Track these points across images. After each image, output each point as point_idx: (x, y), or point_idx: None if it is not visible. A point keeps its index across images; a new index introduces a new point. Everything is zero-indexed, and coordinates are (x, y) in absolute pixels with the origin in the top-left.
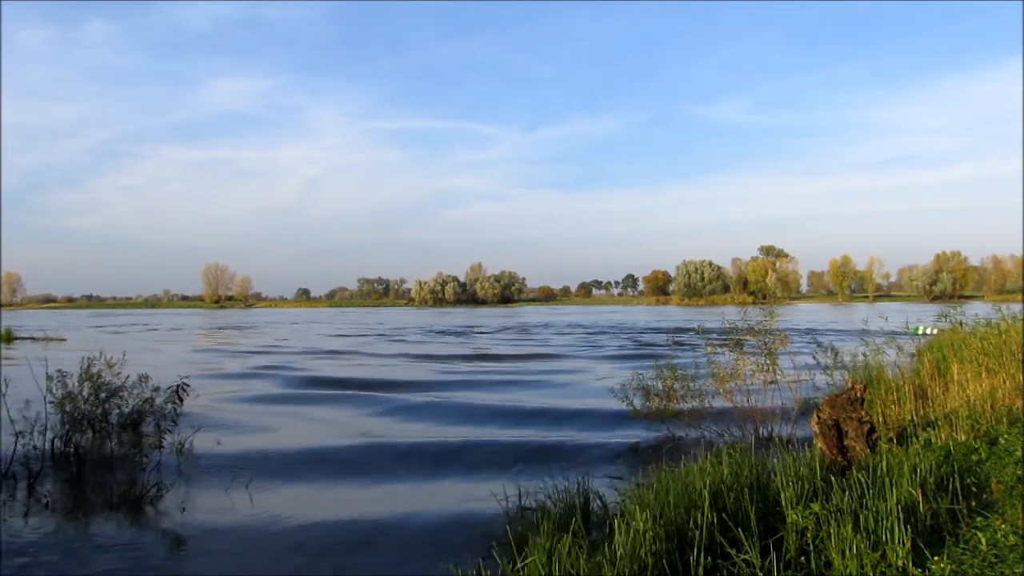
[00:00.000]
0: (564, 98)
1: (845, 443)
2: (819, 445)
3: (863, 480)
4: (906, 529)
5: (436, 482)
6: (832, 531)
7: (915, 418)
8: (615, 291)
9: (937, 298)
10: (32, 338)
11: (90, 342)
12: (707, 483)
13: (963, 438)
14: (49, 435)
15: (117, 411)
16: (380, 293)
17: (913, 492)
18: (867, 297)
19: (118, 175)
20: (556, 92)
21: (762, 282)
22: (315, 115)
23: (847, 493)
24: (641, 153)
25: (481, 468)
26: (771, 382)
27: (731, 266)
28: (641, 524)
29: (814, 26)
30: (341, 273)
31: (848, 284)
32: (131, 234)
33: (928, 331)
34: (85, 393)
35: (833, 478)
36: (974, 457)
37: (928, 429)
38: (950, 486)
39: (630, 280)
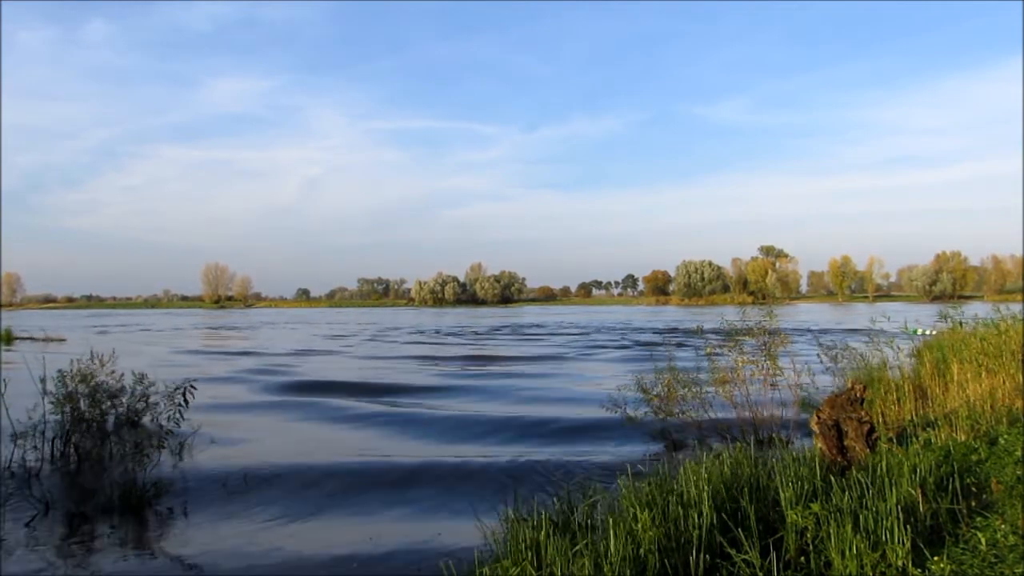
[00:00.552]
0: (564, 98)
1: (845, 443)
2: (819, 445)
3: (863, 480)
4: (906, 529)
5: (397, 508)
6: (832, 531)
7: (915, 418)
8: (615, 291)
9: (937, 298)
10: (32, 338)
11: (76, 344)
12: (707, 483)
13: (963, 438)
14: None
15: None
16: (380, 293)
17: (913, 492)
18: (867, 297)
19: (118, 175)
20: (556, 92)
21: (762, 282)
22: (315, 115)
23: (847, 493)
24: (641, 153)
25: (465, 481)
26: (771, 383)
27: (731, 266)
28: (641, 524)
29: (814, 26)
30: (341, 273)
31: (848, 284)
32: (131, 234)
33: (926, 332)
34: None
35: (833, 478)
36: (974, 457)
37: (928, 429)
38: (950, 486)
39: (630, 280)
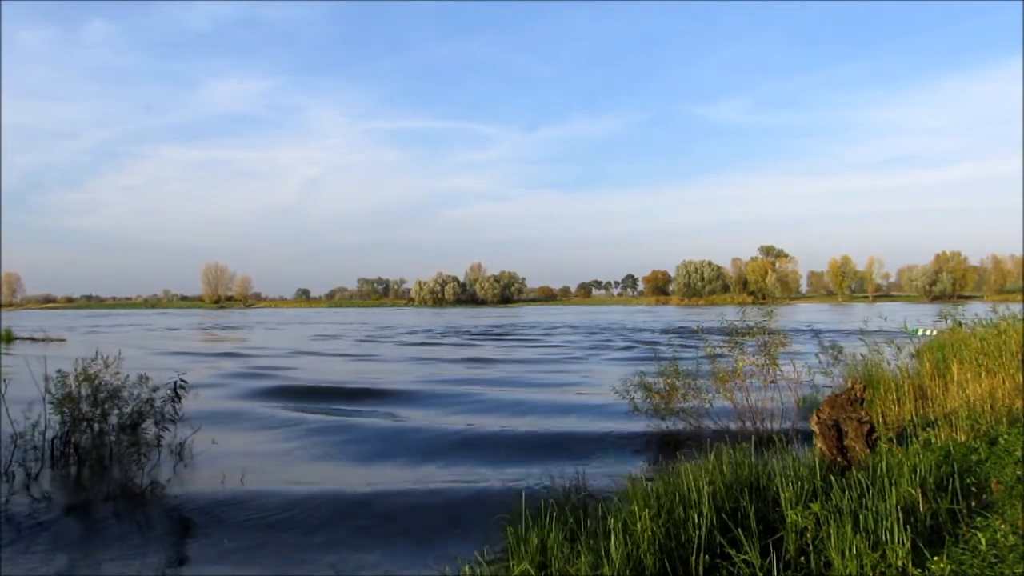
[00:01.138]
0: (564, 98)
1: (845, 443)
2: (819, 445)
3: (863, 480)
4: (906, 529)
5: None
6: (832, 531)
7: (915, 418)
8: (615, 291)
9: (937, 298)
10: (32, 338)
11: (75, 345)
12: (707, 483)
13: (963, 438)
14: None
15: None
16: (380, 293)
17: (913, 492)
18: (867, 297)
19: (118, 175)
20: (556, 92)
21: (762, 282)
22: (315, 115)
23: (847, 493)
24: (641, 153)
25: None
26: (771, 382)
27: (731, 266)
28: (641, 524)
29: (814, 26)
30: (341, 273)
31: (848, 284)
32: (131, 234)
33: (927, 332)
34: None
35: (833, 478)
36: (974, 457)
37: (928, 429)
38: (950, 486)
39: (630, 280)
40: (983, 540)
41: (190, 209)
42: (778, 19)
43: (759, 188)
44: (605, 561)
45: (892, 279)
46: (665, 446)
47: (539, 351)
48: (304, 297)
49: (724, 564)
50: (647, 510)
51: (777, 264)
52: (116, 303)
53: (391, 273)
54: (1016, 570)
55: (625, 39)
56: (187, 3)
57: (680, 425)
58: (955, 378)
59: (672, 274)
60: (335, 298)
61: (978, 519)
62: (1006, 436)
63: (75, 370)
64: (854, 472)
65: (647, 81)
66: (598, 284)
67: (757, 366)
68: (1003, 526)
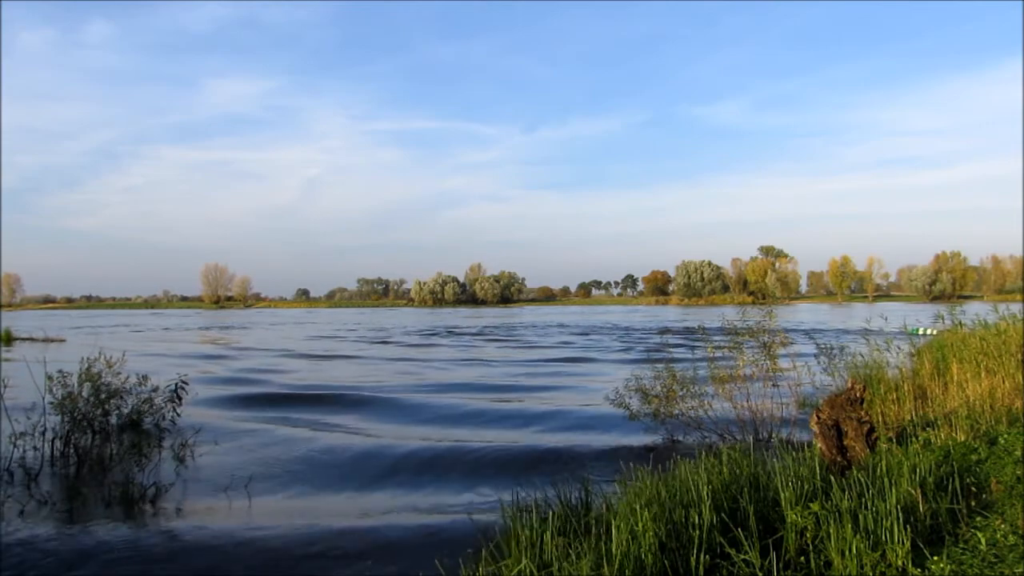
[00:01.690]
0: (564, 99)
1: (845, 443)
2: (819, 445)
3: (863, 480)
4: (906, 529)
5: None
6: (832, 531)
7: (915, 418)
8: (615, 291)
9: (936, 298)
10: (32, 339)
11: (73, 346)
12: (707, 483)
13: (962, 438)
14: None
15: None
16: (379, 294)
17: (913, 492)
18: (866, 297)
19: (118, 176)
20: (556, 93)
21: (761, 282)
22: (315, 116)
23: (847, 493)
24: (641, 153)
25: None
26: (771, 382)
27: (731, 266)
28: (640, 524)
29: (814, 27)
30: (341, 273)
31: (847, 284)
32: (131, 234)
33: (928, 332)
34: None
35: (833, 478)
36: (973, 457)
37: (927, 429)
38: (950, 486)
39: (629, 280)
40: (983, 540)
41: (190, 210)
42: (778, 20)
43: (759, 188)
44: (606, 561)
45: (892, 279)
46: (665, 448)
47: (538, 351)
48: (304, 297)
49: (724, 564)
50: (647, 510)
51: (777, 264)
52: (116, 303)
53: (391, 273)
54: (1016, 570)
55: (625, 40)
56: (187, 4)
57: (679, 427)
58: (955, 378)
59: (672, 274)
60: (335, 298)
61: (978, 519)
62: (1006, 436)
63: (56, 373)
64: (854, 472)
65: (647, 82)
66: (598, 284)
67: (757, 366)
68: (1003, 526)
